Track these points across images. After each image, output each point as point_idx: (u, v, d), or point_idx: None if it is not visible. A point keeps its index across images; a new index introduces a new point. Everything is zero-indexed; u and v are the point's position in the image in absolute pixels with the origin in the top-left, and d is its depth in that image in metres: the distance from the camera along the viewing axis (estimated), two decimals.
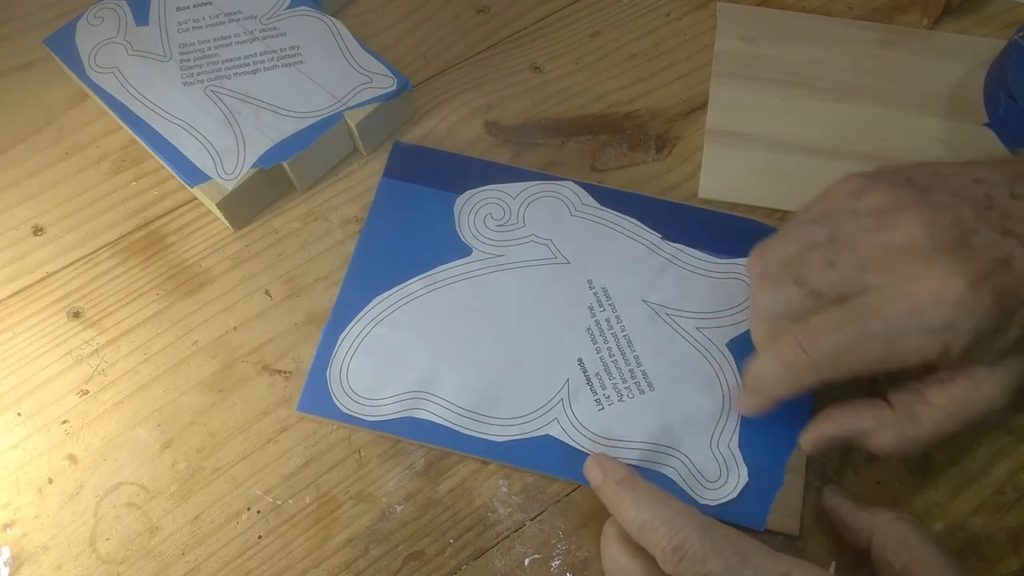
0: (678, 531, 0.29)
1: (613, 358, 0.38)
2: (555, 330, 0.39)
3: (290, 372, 0.39)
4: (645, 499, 0.31)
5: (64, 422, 0.39)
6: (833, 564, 0.34)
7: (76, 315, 0.41)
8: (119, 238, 0.43)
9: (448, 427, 0.37)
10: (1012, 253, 0.28)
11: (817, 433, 0.34)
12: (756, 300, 0.34)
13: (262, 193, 0.43)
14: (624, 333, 0.39)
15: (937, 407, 0.31)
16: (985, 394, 0.30)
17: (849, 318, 0.30)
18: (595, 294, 0.40)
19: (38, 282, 0.42)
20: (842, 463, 0.37)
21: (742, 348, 0.38)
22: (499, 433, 0.37)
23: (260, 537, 0.36)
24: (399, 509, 0.36)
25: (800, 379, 0.32)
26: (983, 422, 0.31)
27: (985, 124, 0.43)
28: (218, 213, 0.42)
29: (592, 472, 0.34)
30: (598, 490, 0.33)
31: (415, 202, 0.42)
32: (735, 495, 0.36)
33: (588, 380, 0.38)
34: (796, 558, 0.29)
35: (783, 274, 0.32)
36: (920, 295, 0.29)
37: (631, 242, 0.41)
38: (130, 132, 0.44)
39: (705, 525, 0.30)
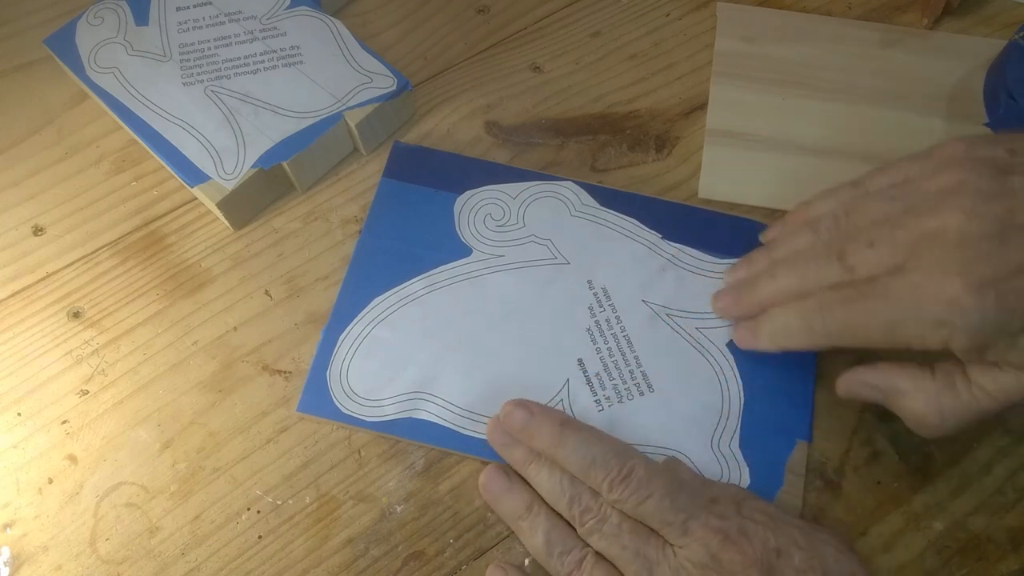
0: (627, 460, 0.33)
1: (613, 358, 0.38)
2: (555, 330, 0.39)
3: (290, 372, 0.39)
4: (591, 436, 0.34)
5: (64, 422, 0.39)
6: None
7: (76, 315, 0.41)
8: (119, 238, 0.43)
9: (448, 427, 0.37)
10: None
11: (856, 375, 0.34)
12: (791, 242, 0.36)
13: (262, 193, 0.43)
14: (624, 333, 0.39)
15: (977, 385, 0.31)
16: (1022, 387, 0.30)
17: (863, 294, 0.32)
18: (595, 294, 0.40)
19: (38, 282, 0.42)
20: (842, 463, 0.37)
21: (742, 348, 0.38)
22: None
23: (260, 537, 0.36)
24: (399, 509, 0.36)
25: (814, 341, 0.34)
26: (1013, 415, 0.32)
27: (985, 124, 0.43)
28: (218, 213, 0.42)
29: (517, 416, 0.35)
30: (525, 433, 0.35)
31: (415, 202, 0.42)
32: None
33: (588, 381, 0.38)
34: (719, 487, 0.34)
35: (831, 242, 0.34)
36: (923, 287, 0.30)
37: (631, 242, 0.41)
38: (130, 132, 0.44)
39: (647, 457, 0.34)
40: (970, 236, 0.29)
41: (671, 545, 0.32)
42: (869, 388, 0.34)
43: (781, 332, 0.35)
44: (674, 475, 0.33)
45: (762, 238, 0.39)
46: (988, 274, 0.29)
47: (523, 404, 0.36)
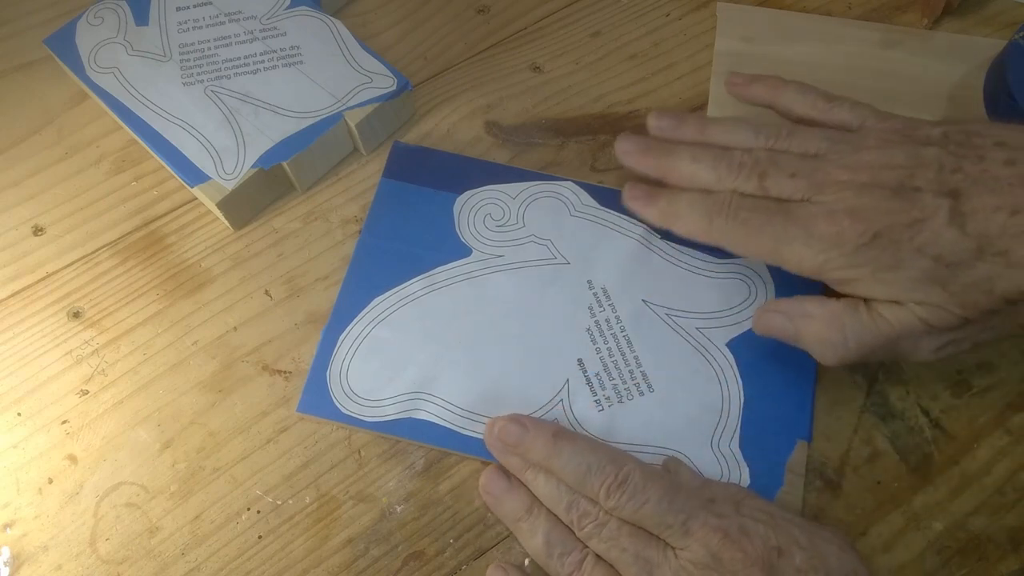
0: (623, 466, 0.33)
1: (613, 358, 0.38)
2: (555, 330, 0.39)
3: (290, 372, 0.39)
4: (585, 446, 0.34)
5: (64, 422, 0.39)
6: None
7: (76, 315, 0.41)
8: (119, 238, 0.43)
9: (448, 428, 0.37)
10: (934, 213, 0.32)
11: (768, 305, 0.36)
12: (729, 131, 0.38)
13: (262, 193, 0.43)
14: (624, 333, 0.39)
15: (876, 312, 0.33)
16: (916, 319, 0.33)
17: (769, 209, 0.35)
18: (595, 294, 0.40)
19: (38, 282, 0.42)
20: (842, 463, 0.37)
21: (742, 348, 0.38)
22: None
23: (260, 537, 0.36)
24: (399, 509, 0.37)
25: (710, 232, 0.36)
26: (910, 352, 0.34)
27: None
28: (218, 213, 0.42)
29: (511, 431, 0.35)
30: (520, 448, 0.35)
31: (415, 202, 0.42)
32: None
33: (588, 381, 0.38)
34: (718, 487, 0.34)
35: (759, 161, 0.36)
36: (820, 218, 0.34)
37: (631, 242, 0.41)
38: (130, 132, 0.44)
39: (642, 462, 0.34)
40: (867, 189, 0.33)
41: (672, 548, 0.32)
42: (780, 317, 0.36)
43: (679, 215, 0.37)
44: (671, 478, 0.34)
45: (731, 79, 0.41)
46: (874, 220, 0.33)
47: (516, 419, 0.36)
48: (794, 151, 0.36)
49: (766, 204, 0.35)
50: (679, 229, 0.37)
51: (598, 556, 0.33)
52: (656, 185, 0.39)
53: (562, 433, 0.35)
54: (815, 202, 0.34)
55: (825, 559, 0.31)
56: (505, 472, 0.36)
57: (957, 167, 0.33)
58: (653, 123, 0.40)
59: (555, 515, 0.34)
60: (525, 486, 0.35)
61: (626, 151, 0.39)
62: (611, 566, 0.32)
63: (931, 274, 0.32)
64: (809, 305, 0.35)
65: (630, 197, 0.39)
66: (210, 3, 0.46)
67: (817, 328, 0.34)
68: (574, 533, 0.33)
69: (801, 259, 0.34)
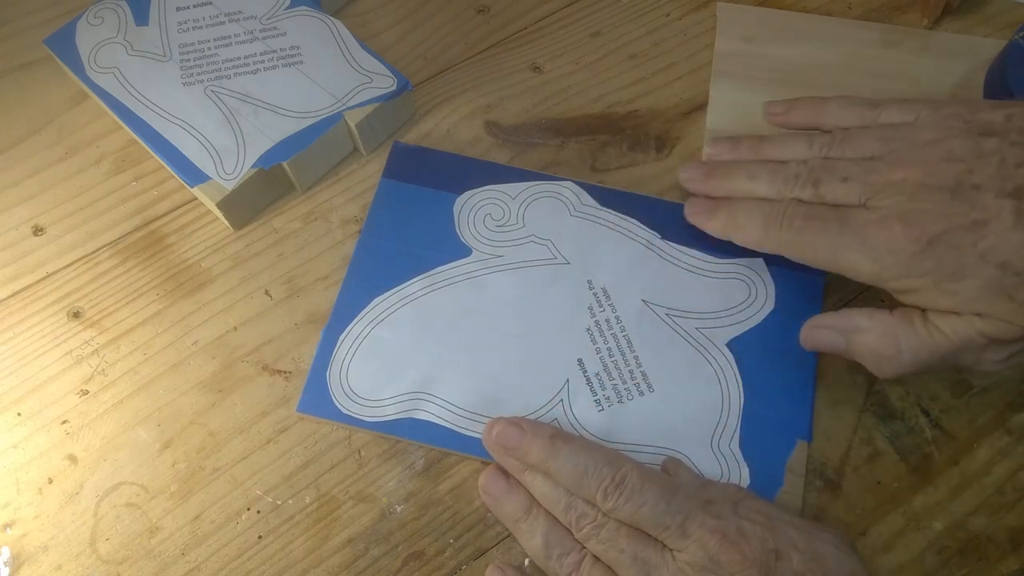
0: (620, 467, 0.33)
1: (613, 358, 0.38)
2: (555, 330, 0.39)
3: (290, 372, 0.39)
4: (582, 448, 0.34)
5: (64, 422, 0.39)
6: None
7: (76, 315, 0.41)
8: (119, 238, 0.43)
9: (448, 428, 0.37)
10: (997, 214, 0.30)
11: (817, 320, 0.36)
12: (783, 147, 0.38)
13: (262, 193, 0.43)
14: (624, 333, 0.39)
15: (933, 325, 0.32)
16: (976, 332, 0.31)
17: (824, 216, 0.34)
18: (595, 294, 0.40)
19: (38, 282, 0.42)
20: (842, 463, 0.37)
21: (742, 348, 0.38)
22: None
23: (260, 537, 0.36)
24: (399, 509, 0.37)
25: (765, 241, 0.36)
26: (971, 364, 0.33)
27: None
28: (218, 213, 0.42)
29: (509, 434, 0.35)
30: (518, 451, 0.35)
31: (414, 203, 0.42)
32: None
33: (588, 381, 0.38)
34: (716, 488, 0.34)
35: (813, 169, 0.35)
36: (874, 225, 0.33)
37: (631, 242, 0.41)
38: (130, 132, 0.44)
39: (639, 464, 0.34)
40: (923, 190, 0.32)
41: (670, 550, 0.32)
42: (830, 332, 0.35)
43: (738, 226, 0.37)
44: (669, 479, 0.34)
45: (769, 110, 0.40)
46: (928, 225, 0.31)
47: (513, 422, 0.35)
48: (849, 156, 0.35)
49: (821, 211, 0.34)
50: (739, 239, 0.38)
51: (596, 557, 0.33)
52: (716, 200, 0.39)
53: (559, 435, 0.35)
54: (871, 207, 0.33)
55: (823, 561, 0.31)
56: (505, 473, 0.36)
57: (1021, 160, 0.30)
58: (708, 151, 0.41)
59: (554, 516, 0.34)
60: (524, 487, 0.35)
61: (689, 178, 0.40)
62: (609, 567, 0.32)
63: (997, 283, 0.30)
64: (859, 318, 0.34)
65: (691, 213, 0.40)
66: (210, 3, 0.46)
67: (870, 341, 0.33)
68: (572, 534, 0.33)
69: (857, 267, 0.33)
